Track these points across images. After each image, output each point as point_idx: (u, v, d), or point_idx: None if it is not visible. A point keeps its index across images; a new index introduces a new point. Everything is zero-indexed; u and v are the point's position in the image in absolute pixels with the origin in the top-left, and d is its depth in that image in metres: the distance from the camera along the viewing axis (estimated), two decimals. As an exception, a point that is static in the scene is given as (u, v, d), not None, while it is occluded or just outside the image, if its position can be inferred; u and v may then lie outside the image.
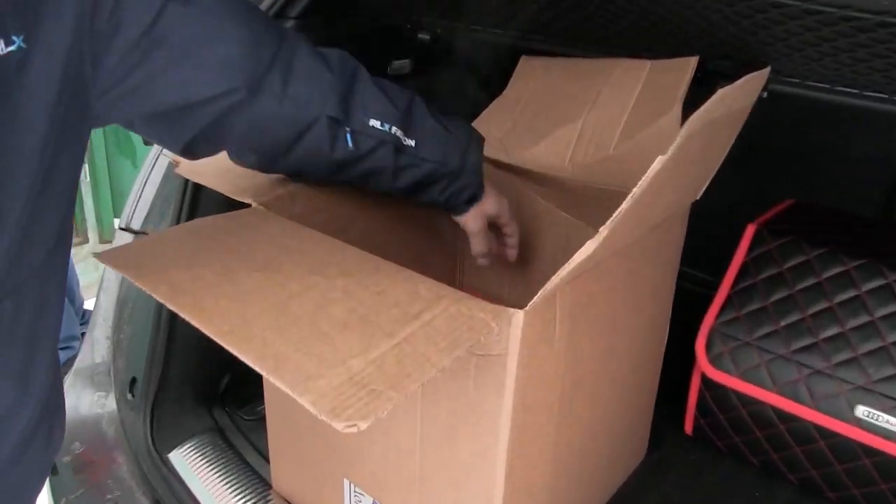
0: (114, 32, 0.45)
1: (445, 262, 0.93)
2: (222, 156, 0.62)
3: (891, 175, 0.90)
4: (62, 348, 1.76)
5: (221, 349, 0.43)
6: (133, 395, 0.85)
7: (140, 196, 0.95)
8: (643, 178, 0.43)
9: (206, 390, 0.90)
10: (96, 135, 2.56)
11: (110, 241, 2.67)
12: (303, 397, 0.38)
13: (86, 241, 2.69)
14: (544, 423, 0.55)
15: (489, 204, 0.71)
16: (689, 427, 0.83)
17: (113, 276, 0.95)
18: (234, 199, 0.64)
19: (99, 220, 2.78)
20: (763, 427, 0.75)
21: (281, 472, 0.76)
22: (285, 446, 0.73)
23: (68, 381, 0.94)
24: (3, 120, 0.38)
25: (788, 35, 0.55)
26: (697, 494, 0.77)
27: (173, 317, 0.83)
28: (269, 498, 0.77)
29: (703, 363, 0.77)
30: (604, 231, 0.44)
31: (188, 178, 0.69)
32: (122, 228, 0.95)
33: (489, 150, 0.69)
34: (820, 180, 0.97)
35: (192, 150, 0.58)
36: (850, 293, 0.72)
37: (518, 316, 0.46)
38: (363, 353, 0.41)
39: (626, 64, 0.78)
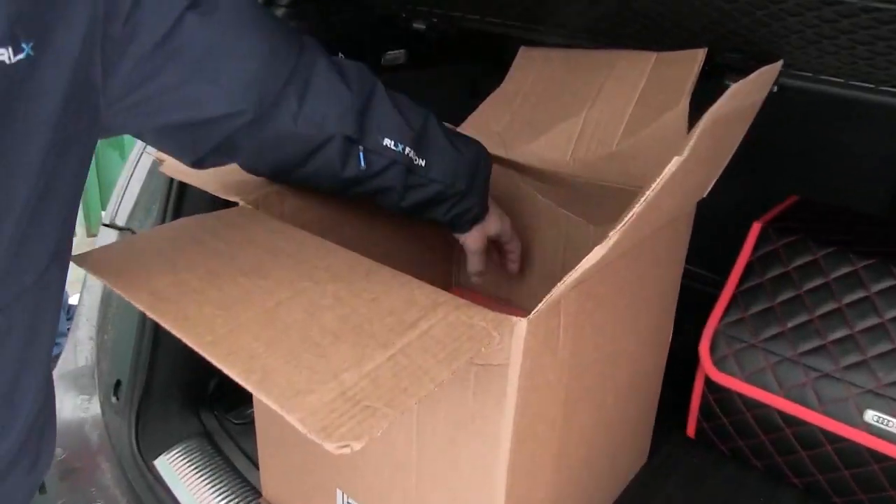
0: (129, 39, 0.43)
1: (440, 260, 0.91)
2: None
3: (896, 172, 0.88)
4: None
5: (209, 352, 0.40)
6: (118, 399, 0.83)
7: (125, 191, 0.92)
8: (657, 180, 0.41)
9: (194, 393, 0.88)
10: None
11: (97, 235, 2.63)
12: (291, 415, 0.36)
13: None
14: (546, 433, 0.53)
15: (492, 224, 0.70)
16: (691, 430, 0.81)
17: (96, 275, 0.92)
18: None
19: (86, 214, 2.75)
20: (768, 431, 0.74)
21: (271, 479, 0.74)
22: (275, 453, 0.70)
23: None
24: (2, 132, 0.35)
25: (804, 27, 0.53)
26: (700, 498, 0.75)
27: (159, 317, 0.80)
28: (258, 506, 0.74)
29: (706, 366, 0.75)
30: (614, 236, 0.41)
31: (173, 176, 0.66)
32: (105, 225, 0.92)
33: (486, 145, 0.67)
34: (823, 177, 0.95)
35: (202, 164, 0.56)
36: (860, 294, 0.70)
37: (521, 325, 0.44)
38: (356, 366, 0.39)
39: (631, 56, 0.75)
